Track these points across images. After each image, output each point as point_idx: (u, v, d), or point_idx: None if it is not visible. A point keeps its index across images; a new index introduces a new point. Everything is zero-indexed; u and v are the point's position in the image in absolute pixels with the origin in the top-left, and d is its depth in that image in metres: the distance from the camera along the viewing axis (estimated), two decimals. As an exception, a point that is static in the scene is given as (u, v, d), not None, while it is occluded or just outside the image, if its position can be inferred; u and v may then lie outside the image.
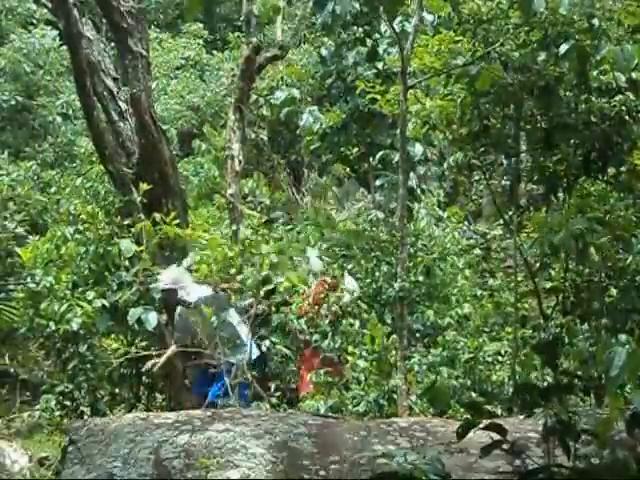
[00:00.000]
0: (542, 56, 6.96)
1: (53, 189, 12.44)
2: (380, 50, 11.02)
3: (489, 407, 5.36)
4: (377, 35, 11.17)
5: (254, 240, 7.83)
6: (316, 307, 8.31)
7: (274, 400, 7.42)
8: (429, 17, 9.27)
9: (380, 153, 10.08)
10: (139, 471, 4.42)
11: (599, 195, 7.39)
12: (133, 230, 8.24)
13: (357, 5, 10.61)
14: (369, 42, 11.10)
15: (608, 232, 6.75)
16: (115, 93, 9.28)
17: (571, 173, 7.52)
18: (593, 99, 7.09)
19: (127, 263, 8.58)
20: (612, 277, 7.32)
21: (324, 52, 11.57)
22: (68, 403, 8.14)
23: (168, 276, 7.86)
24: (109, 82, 9.28)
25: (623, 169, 7.40)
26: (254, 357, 7.88)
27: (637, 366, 3.46)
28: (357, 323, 7.91)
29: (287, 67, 13.44)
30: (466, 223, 12.29)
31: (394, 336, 7.41)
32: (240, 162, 9.40)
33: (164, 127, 9.80)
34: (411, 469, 3.19)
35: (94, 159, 11.45)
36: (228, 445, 4.58)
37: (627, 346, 3.51)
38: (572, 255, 6.93)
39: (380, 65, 10.78)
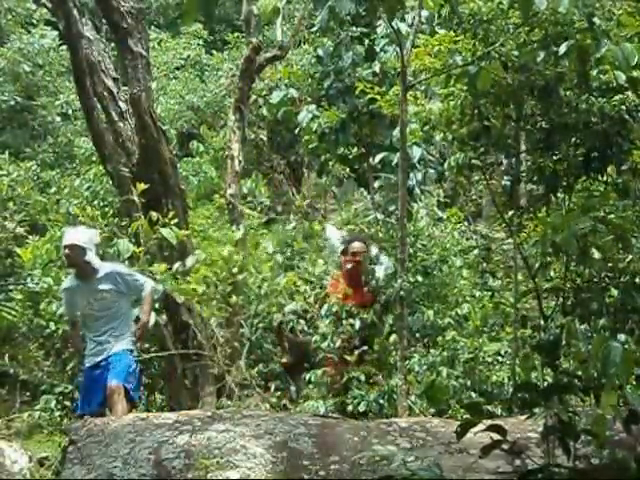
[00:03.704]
0: (542, 55, 6.95)
1: (53, 189, 12.44)
2: (377, 49, 10.98)
3: (489, 407, 5.37)
4: (375, 35, 11.14)
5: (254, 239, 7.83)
6: (316, 307, 8.31)
7: (274, 400, 7.42)
8: (424, 13, 9.24)
9: (381, 155, 10.05)
10: (139, 471, 4.42)
11: (600, 195, 7.38)
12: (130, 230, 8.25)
13: (354, 5, 10.58)
14: (367, 42, 11.07)
15: (609, 232, 6.73)
16: (115, 93, 9.28)
17: (571, 173, 7.51)
18: (593, 99, 7.08)
19: (126, 263, 8.58)
20: (612, 277, 7.31)
21: (321, 52, 11.54)
22: (68, 403, 8.15)
23: None
24: (109, 82, 9.27)
25: (624, 168, 7.39)
26: None
27: (631, 365, 3.46)
28: (357, 323, 7.91)
29: (285, 67, 13.42)
30: (466, 223, 12.27)
31: (394, 336, 7.40)
32: (240, 162, 9.39)
33: (164, 127, 9.79)
34: (407, 475, 3.19)
35: (94, 159, 11.46)
36: (228, 445, 4.58)
37: (625, 346, 3.52)
38: (573, 255, 6.91)
39: (378, 65, 10.74)
